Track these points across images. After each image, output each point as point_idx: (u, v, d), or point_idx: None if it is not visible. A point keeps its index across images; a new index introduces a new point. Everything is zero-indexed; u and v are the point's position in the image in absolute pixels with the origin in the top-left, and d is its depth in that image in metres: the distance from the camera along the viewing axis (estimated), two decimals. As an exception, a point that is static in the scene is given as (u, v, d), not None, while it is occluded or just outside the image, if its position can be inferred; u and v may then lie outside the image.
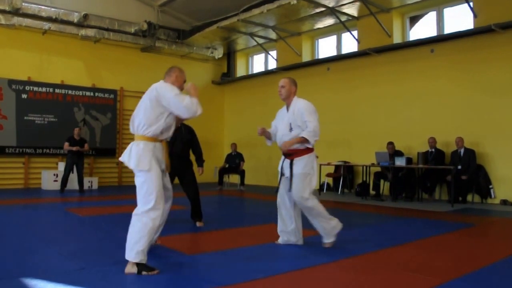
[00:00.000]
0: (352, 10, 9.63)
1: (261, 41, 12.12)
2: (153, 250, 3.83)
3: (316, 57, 11.53)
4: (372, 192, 8.85)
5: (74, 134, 9.28)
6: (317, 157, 4.23)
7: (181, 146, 5.24)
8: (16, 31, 10.15)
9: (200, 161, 5.54)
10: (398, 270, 3.28)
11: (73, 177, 9.34)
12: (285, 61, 11.80)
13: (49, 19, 10.19)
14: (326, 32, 11.22)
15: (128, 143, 3.34)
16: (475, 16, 8.14)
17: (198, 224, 5.25)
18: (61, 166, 9.87)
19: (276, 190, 4.20)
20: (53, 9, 10.24)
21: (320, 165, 9.52)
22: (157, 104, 3.21)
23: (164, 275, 3.05)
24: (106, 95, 11.39)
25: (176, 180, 5.08)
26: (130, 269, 3.03)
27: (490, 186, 7.83)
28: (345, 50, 10.80)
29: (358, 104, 10.12)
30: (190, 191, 5.24)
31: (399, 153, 8.51)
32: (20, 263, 3.34)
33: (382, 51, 9.53)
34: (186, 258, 3.57)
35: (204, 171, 5.67)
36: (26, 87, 10.24)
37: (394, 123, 9.34)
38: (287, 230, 4.08)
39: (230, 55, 13.75)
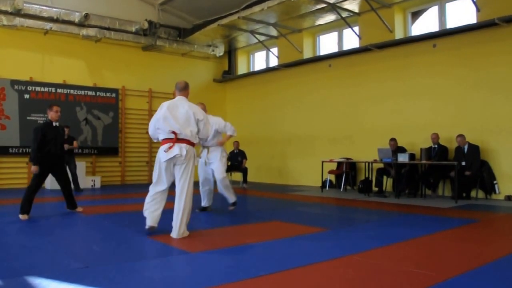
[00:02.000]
0: (353, 6, 9.59)
1: (262, 38, 12.09)
2: (155, 249, 3.84)
3: (318, 54, 11.49)
4: (375, 188, 8.83)
5: None
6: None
7: (59, 146, 5.91)
8: (18, 32, 10.17)
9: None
10: (402, 266, 3.27)
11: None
12: (286, 58, 11.77)
13: (50, 19, 10.21)
14: (327, 28, 11.18)
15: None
16: (478, 10, 8.08)
17: (78, 209, 6.10)
18: (64, 165, 9.90)
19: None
20: (54, 9, 10.25)
21: (322, 162, 9.52)
22: None
23: (167, 273, 3.05)
24: (108, 94, 11.40)
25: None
26: None
27: (495, 182, 7.79)
28: (347, 46, 10.76)
29: (360, 101, 10.09)
30: (66, 184, 6.09)
31: (402, 149, 8.48)
32: (24, 262, 3.35)
33: (383, 47, 9.48)
34: (189, 256, 3.57)
35: None
36: (28, 87, 10.26)
37: (397, 119, 9.31)
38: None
39: (231, 53, 13.73)
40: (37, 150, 5.53)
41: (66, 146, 9.07)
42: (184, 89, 4.53)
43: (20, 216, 5.47)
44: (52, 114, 5.78)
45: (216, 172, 5.91)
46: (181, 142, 4.24)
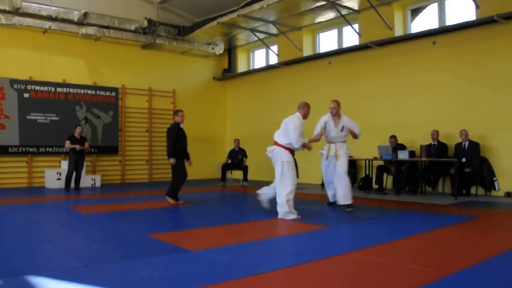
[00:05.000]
0: (352, 3, 9.57)
1: (261, 36, 12.08)
2: (154, 247, 3.85)
3: (317, 51, 11.48)
4: (375, 186, 8.83)
5: (75, 132, 9.29)
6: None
7: (186, 143, 6.92)
8: (17, 31, 10.16)
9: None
10: (402, 263, 3.27)
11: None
12: (286, 56, 11.76)
13: (49, 18, 10.20)
14: (327, 26, 11.17)
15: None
16: (477, 7, 8.07)
17: (179, 202, 6.84)
18: (64, 164, 9.89)
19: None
20: (53, 8, 10.24)
21: (323, 159, 9.51)
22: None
23: (168, 271, 3.05)
24: (108, 93, 11.40)
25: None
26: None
27: (494, 179, 7.80)
28: (346, 43, 10.75)
29: (360, 98, 10.07)
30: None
31: (402, 147, 8.48)
32: (24, 261, 3.35)
33: (383, 44, 9.47)
34: (189, 254, 3.57)
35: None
36: (28, 87, 10.26)
37: (396, 116, 9.30)
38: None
39: (231, 51, 13.72)
40: (173, 146, 6.65)
41: (78, 147, 9.11)
42: (300, 108, 5.77)
43: (170, 200, 6.78)
44: (178, 118, 6.90)
45: (338, 166, 6.11)
46: (275, 144, 5.61)
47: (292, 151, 5.55)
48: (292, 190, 5.37)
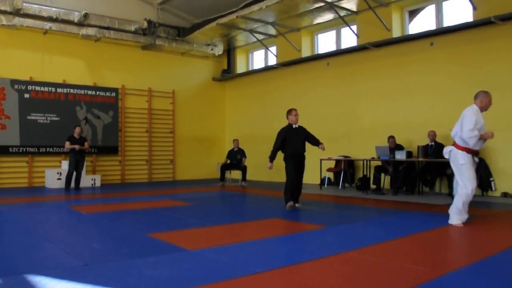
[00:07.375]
0: (351, 4, 9.62)
1: (260, 37, 12.13)
2: (154, 247, 3.90)
3: (316, 52, 11.53)
4: (372, 186, 8.88)
5: (75, 133, 9.34)
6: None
7: (300, 145, 6.33)
8: (17, 32, 10.21)
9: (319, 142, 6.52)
10: (399, 262, 3.31)
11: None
12: (285, 57, 11.81)
13: (50, 19, 10.25)
14: (325, 27, 11.21)
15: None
16: (474, 8, 8.12)
17: (297, 205, 6.27)
18: (64, 164, 9.94)
19: None
20: (53, 9, 10.29)
21: (321, 159, 9.57)
22: None
23: (167, 271, 3.10)
24: (108, 94, 11.45)
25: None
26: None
27: (491, 179, 7.84)
28: (345, 45, 10.79)
29: (358, 99, 10.13)
30: (300, 178, 6.39)
31: (400, 147, 8.53)
32: (24, 260, 3.39)
33: (381, 45, 9.52)
34: (189, 254, 3.61)
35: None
36: (28, 87, 10.30)
37: (394, 116, 9.35)
38: None
39: (230, 52, 13.77)
40: (275, 150, 6.29)
41: (77, 147, 9.17)
42: (476, 98, 4.98)
43: (289, 204, 6.16)
44: (292, 118, 6.40)
45: None
46: (453, 144, 4.97)
47: (471, 151, 4.85)
48: (467, 193, 4.79)
